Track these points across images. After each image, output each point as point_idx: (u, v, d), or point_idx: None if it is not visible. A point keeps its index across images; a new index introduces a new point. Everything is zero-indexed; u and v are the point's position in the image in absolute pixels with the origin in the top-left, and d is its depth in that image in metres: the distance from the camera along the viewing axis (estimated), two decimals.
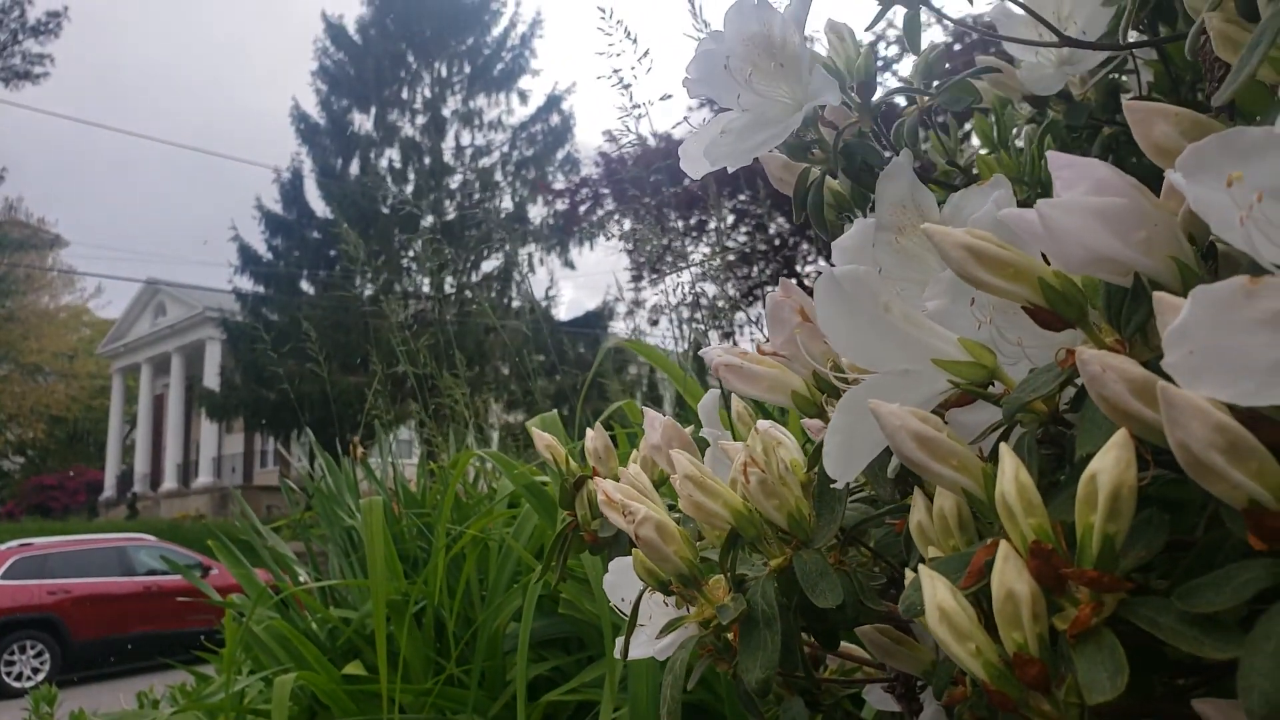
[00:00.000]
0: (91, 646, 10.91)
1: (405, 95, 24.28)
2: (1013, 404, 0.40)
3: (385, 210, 22.79)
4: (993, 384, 0.43)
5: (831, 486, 0.47)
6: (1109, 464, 0.33)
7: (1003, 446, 0.37)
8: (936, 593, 0.36)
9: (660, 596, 0.67)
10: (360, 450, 2.27)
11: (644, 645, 0.64)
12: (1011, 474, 0.36)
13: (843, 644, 0.87)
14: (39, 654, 10.86)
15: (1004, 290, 0.39)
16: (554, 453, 0.81)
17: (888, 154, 0.59)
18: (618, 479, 0.80)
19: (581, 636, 1.69)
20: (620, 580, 0.69)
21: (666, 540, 0.49)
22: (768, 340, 0.55)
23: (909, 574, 0.45)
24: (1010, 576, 0.34)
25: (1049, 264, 0.39)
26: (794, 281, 0.59)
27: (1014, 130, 0.86)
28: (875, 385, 0.42)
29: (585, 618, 1.65)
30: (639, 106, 2.48)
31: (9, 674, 10.68)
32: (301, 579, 2.24)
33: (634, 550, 0.57)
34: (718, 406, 0.76)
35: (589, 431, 0.80)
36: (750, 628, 0.44)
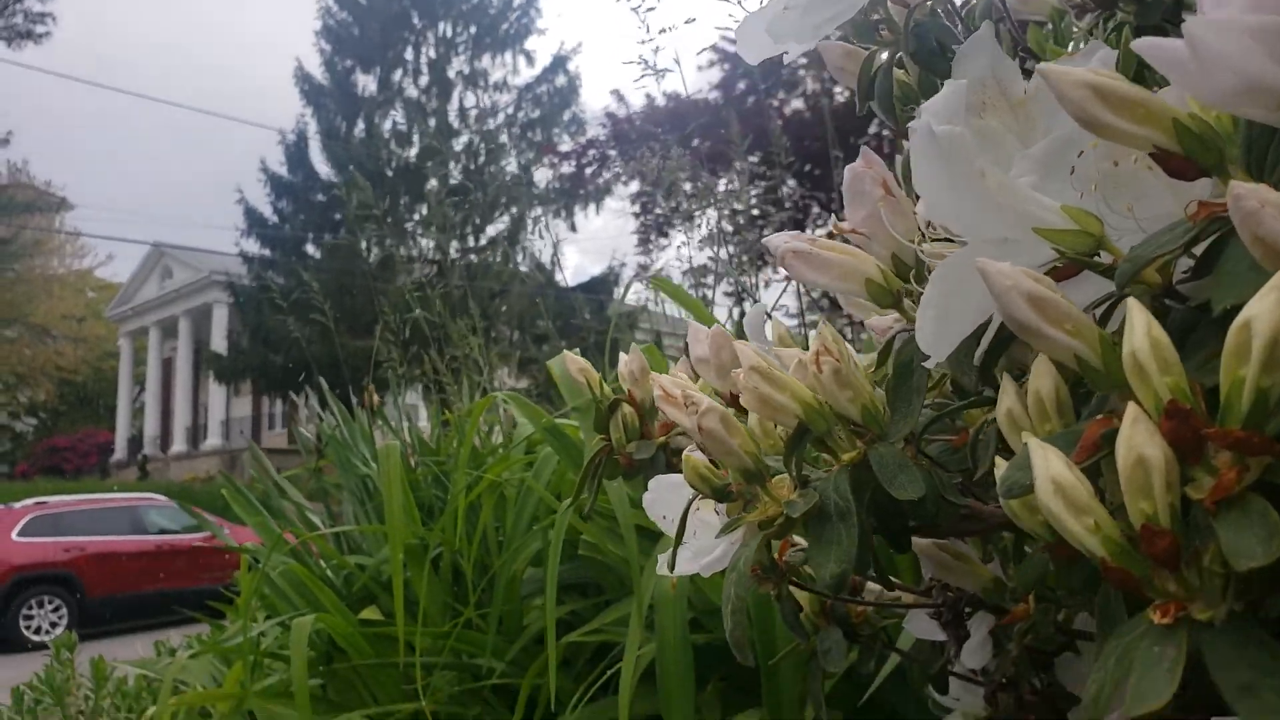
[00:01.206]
0: (106, 603, 11.03)
1: (409, 56, 24.04)
2: (1134, 263, 0.36)
3: (390, 173, 22.65)
4: (1098, 254, 0.39)
5: (908, 382, 0.43)
6: (1267, 308, 0.29)
7: (1131, 302, 0.33)
8: (1049, 464, 0.33)
9: (707, 512, 0.64)
10: (375, 398, 2.24)
11: (688, 562, 0.61)
12: (1143, 329, 0.32)
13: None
14: (56, 609, 10.99)
15: (1131, 135, 0.35)
16: (588, 376, 0.78)
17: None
18: (654, 404, 0.77)
19: (600, 581, 1.67)
20: (661, 496, 0.65)
21: (731, 432, 0.46)
22: (842, 220, 0.51)
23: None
24: (1140, 440, 0.31)
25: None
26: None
27: (1070, 45, 0.81)
28: (972, 253, 0.38)
29: (608, 560, 1.63)
30: (658, 35, 2.40)
31: (28, 628, 10.82)
32: (317, 528, 2.22)
33: (686, 456, 0.53)
34: (763, 321, 0.73)
35: (625, 355, 0.76)
36: (822, 523, 0.41)
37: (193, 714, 2.82)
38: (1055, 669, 0.78)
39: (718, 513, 0.56)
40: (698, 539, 0.62)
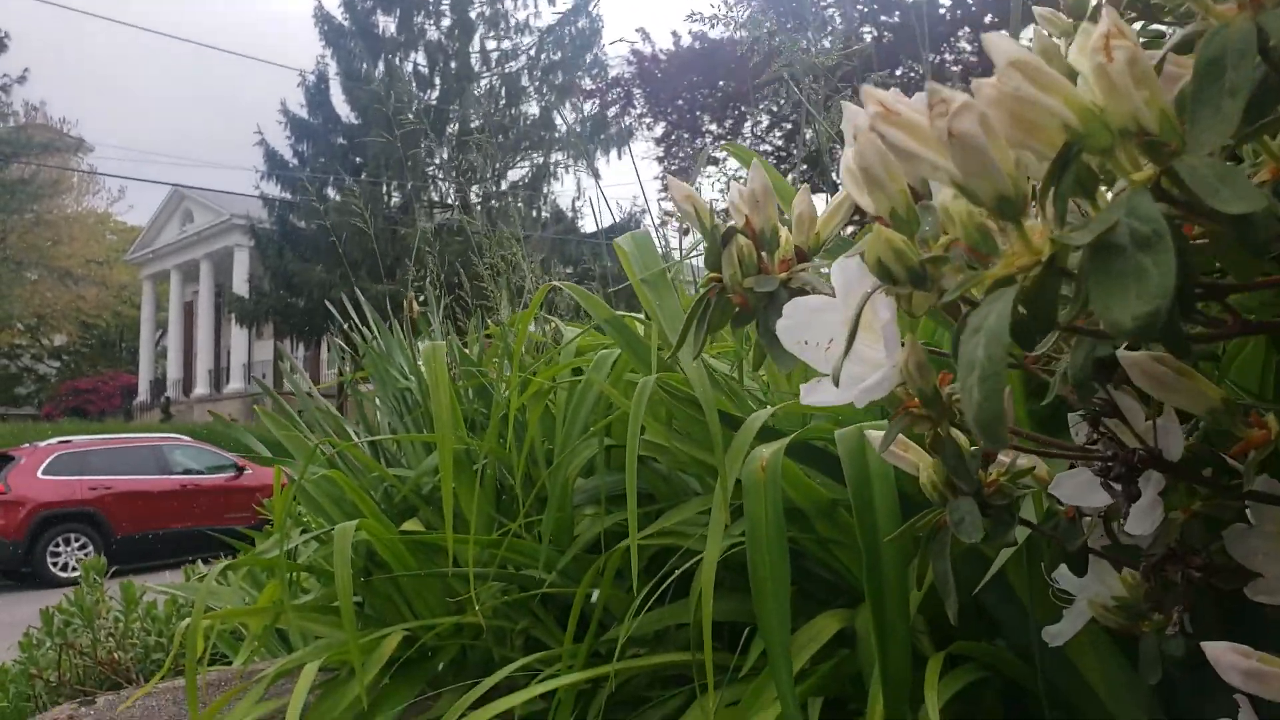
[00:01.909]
0: (132, 541, 11.16)
1: None
2: None
3: (411, 116, 22.41)
4: None
5: (1217, 82, 0.33)
6: None
7: None
8: None
9: (866, 339, 0.54)
10: (415, 308, 2.16)
11: (839, 391, 0.52)
12: None
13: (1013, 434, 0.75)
14: (83, 546, 11.12)
15: None
16: (695, 203, 0.68)
17: None
18: (777, 231, 0.67)
19: (652, 491, 1.59)
20: (802, 321, 0.56)
21: (992, 140, 0.36)
22: None
23: None
24: None
25: None
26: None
27: None
28: None
29: (660, 467, 1.55)
30: None
31: (55, 565, 10.98)
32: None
33: (875, 228, 0.44)
34: None
35: (747, 173, 0.66)
36: (1110, 255, 0.32)
37: (225, 638, 2.79)
38: (1225, 540, 0.69)
39: (891, 295, 0.47)
40: (845, 365, 0.52)
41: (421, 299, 2.18)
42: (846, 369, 0.53)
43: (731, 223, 0.65)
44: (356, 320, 2.15)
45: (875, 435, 0.73)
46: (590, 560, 1.47)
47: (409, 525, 1.80)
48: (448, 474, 1.43)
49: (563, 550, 1.57)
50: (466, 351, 2.06)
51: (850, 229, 0.90)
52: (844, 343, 0.48)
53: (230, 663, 2.49)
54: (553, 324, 1.97)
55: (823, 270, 0.68)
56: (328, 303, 2.44)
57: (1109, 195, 0.37)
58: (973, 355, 0.33)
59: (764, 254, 0.65)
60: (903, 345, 0.52)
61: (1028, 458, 0.75)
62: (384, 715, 1.61)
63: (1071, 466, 0.72)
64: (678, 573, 1.21)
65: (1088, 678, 0.97)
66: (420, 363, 1.92)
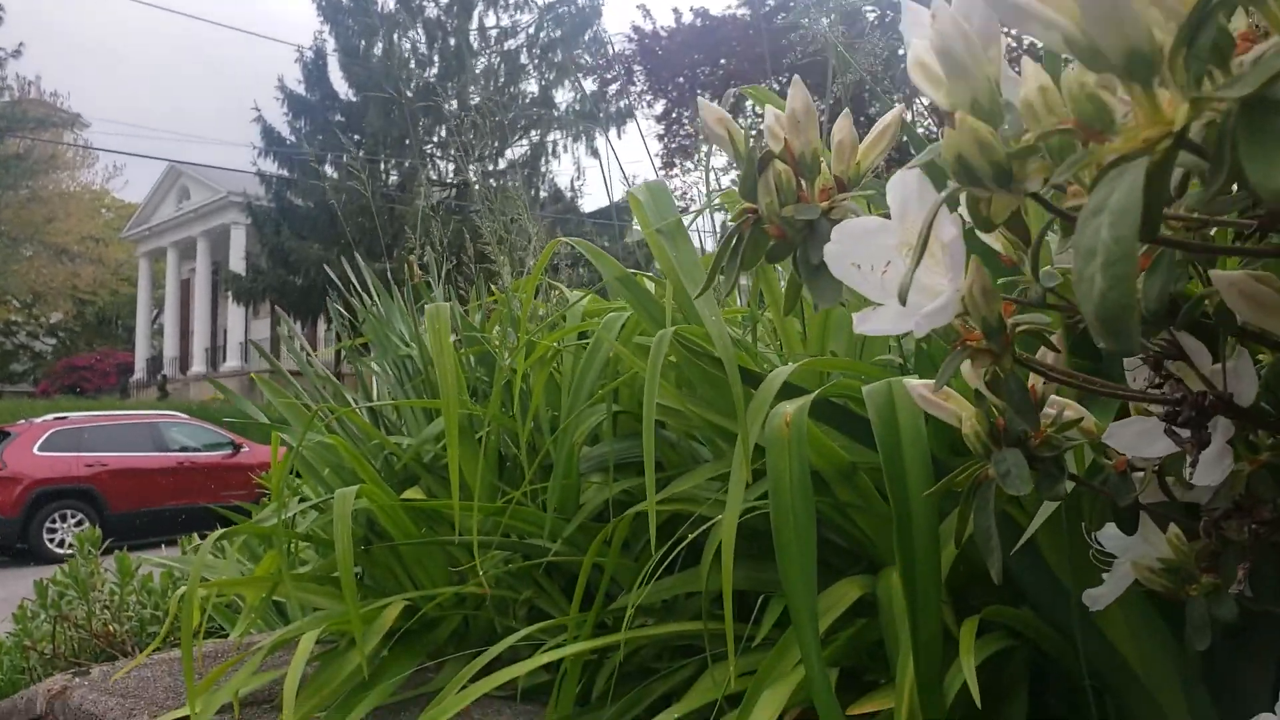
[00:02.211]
0: (128, 518, 11.12)
1: None
2: None
3: (410, 94, 22.24)
4: None
5: None
6: None
7: None
8: None
9: (929, 271, 0.49)
10: (418, 271, 2.10)
11: (894, 319, 0.48)
12: None
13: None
14: (79, 523, 11.07)
15: None
16: (728, 127, 0.63)
17: None
18: (819, 156, 0.63)
19: (661, 459, 1.55)
20: (852, 244, 0.51)
21: None
22: None
23: None
24: None
25: None
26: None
27: None
28: None
29: (670, 433, 1.51)
30: None
31: (51, 541, 10.95)
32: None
33: (961, 118, 0.39)
34: None
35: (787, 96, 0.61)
36: (1269, 112, 0.27)
37: (221, 611, 2.76)
38: None
39: (958, 218, 0.42)
40: (900, 286, 0.48)
41: (423, 263, 2.13)
42: (894, 303, 0.48)
43: (769, 147, 0.60)
44: (357, 286, 2.10)
45: (914, 383, 0.69)
46: (597, 529, 1.43)
47: (410, 493, 1.76)
48: (453, 437, 1.38)
49: (568, 519, 1.53)
50: (469, 319, 2.01)
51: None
52: (913, 256, 0.43)
53: (227, 636, 2.46)
54: (558, 290, 1.92)
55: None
56: (326, 267, 2.39)
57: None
58: (1094, 240, 0.29)
59: (803, 181, 0.61)
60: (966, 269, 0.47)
61: (1074, 409, 0.71)
62: (384, 686, 1.57)
63: (1124, 415, 0.67)
64: (691, 537, 1.17)
65: (1119, 646, 0.94)
66: (421, 330, 1.87)
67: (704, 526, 1.17)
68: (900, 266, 0.48)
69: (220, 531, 1.66)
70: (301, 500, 1.89)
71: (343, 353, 2.19)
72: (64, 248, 28.81)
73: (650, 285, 1.31)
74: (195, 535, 4.21)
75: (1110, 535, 0.75)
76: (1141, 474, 0.69)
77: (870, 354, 1.19)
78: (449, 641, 1.76)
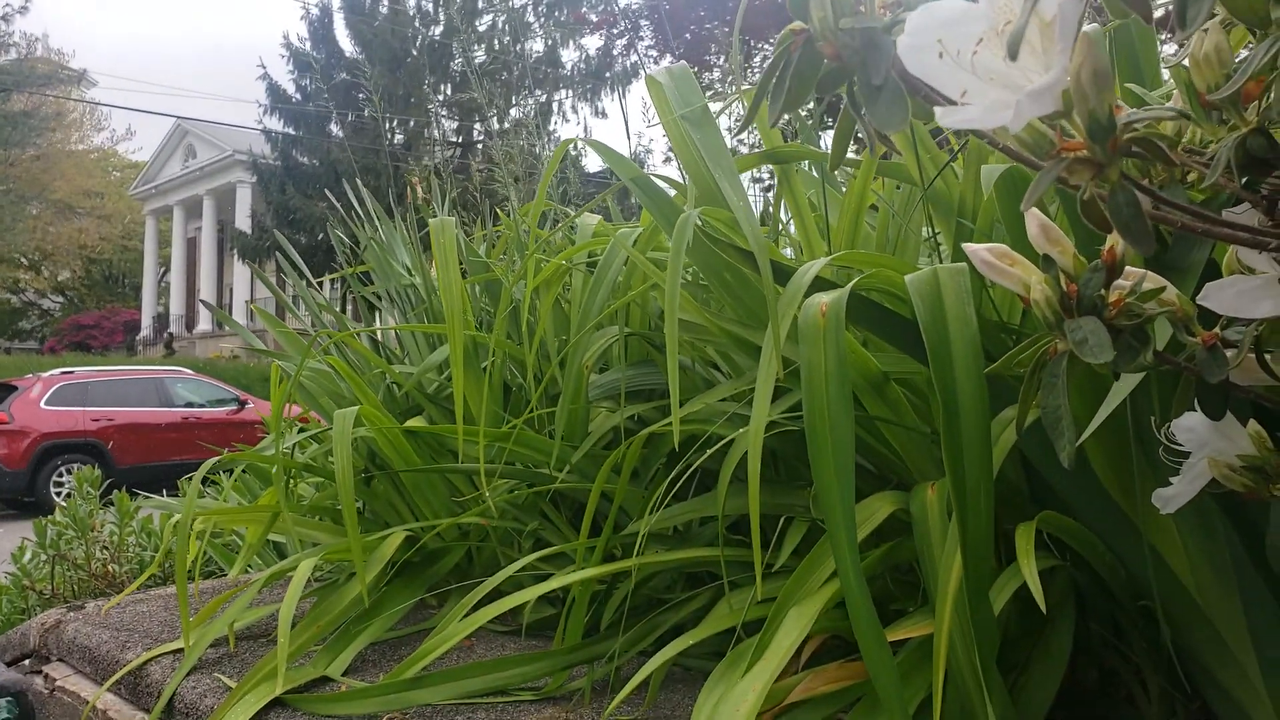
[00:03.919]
0: (134, 472, 11.12)
1: None
2: None
3: (415, 52, 21.96)
4: None
5: None
6: None
7: None
8: None
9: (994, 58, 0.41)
10: (421, 191, 2.01)
11: (982, 110, 0.39)
12: None
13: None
14: None
15: None
16: None
17: None
18: None
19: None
20: (931, 35, 0.43)
21: None
22: None
23: None
24: None
25: None
26: None
27: None
28: None
29: (685, 359, 1.43)
30: None
31: (58, 494, 10.98)
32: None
33: None
34: None
35: None
36: None
37: (220, 550, 2.71)
38: None
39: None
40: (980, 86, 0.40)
41: (425, 185, 2.04)
42: (985, 95, 0.40)
43: None
44: (359, 214, 2.02)
45: (974, 247, 0.61)
46: (605, 457, 1.36)
47: (413, 423, 1.69)
48: (457, 358, 1.31)
49: (576, 446, 1.46)
50: (473, 248, 1.92)
51: None
52: (1024, 12, 0.35)
53: (226, 575, 2.41)
54: (568, 222, 1.84)
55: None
56: (327, 192, 2.30)
57: None
58: None
59: None
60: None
61: (1154, 279, 0.62)
62: (383, 619, 1.51)
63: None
64: (705, 456, 1.09)
65: (1173, 565, 0.86)
66: (425, 259, 1.79)
67: (717, 445, 1.10)
68: (993, 48, 0.39)
69: (213, 459, 1.59)
70: (300, 430, 1.82)
71: (348, 295, 2.10)
72: (70, 206, 28.70)
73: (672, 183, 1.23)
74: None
75: (1187, 426, 0.67)
76: (1234, 352, 0.61)
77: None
78: (451, 575, 1.70)
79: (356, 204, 2.00)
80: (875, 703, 0.84)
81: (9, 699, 1.41)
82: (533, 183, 2.30)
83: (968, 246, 0.61)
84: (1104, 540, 0.91)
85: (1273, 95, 0.41)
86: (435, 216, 1.85)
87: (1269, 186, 0.51)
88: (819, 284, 0.89)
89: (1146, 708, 0.97)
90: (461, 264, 1.96)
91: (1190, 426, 0.67)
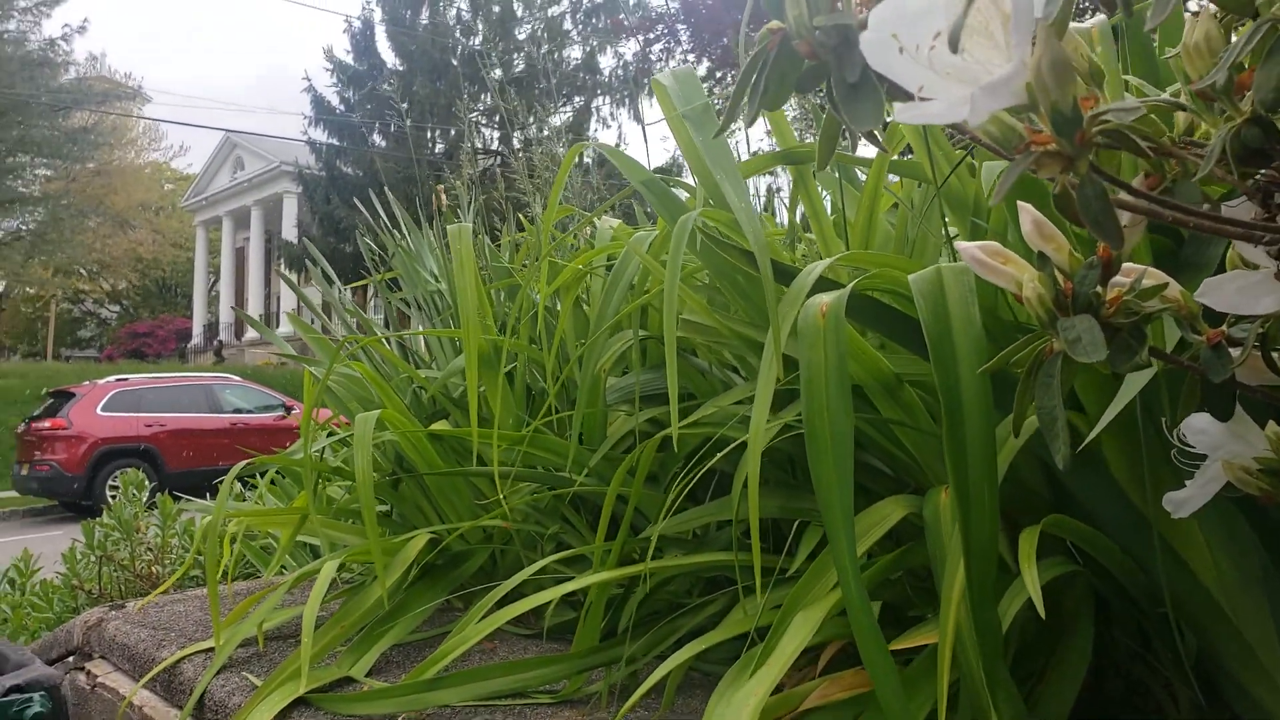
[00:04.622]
0: (184, 476, 11.36)
1: None
2: None
3: (455, 62, 22.18)
4: None
5: None
6: None
7: None
8: None
9: (974, 41, 0.41)
10: (444, 199, 2.03)
11: (942, 106, 0.39)
12: None
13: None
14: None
15: None
16: None
17: None
18: None
19: (692, 389, 1.47)
20: (892, 29, 0.42)
21: None
22: None
23: None
24: None
25: None
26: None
27: None
28: None
29: (702, 361, 1.43)
30: None
31: (113, 498, 11.22)
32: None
33: None
34: None
35: None
36: None
37: (256, 553, 2.75)
38: None
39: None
40: (945, 76, 0.39)
41: (452, 193, 2.06)
42: (948, 91, 0.39)
43: None
44: (387, 223, 2.04)
45: (967, 245, 0.60)
46: (624, 460, 1.36)
47: (437, 426, 1.70)
48: (472, 360, 1.31)
49: (596, 449, 1.46)
50: (498, 254, 1.94)
51: None
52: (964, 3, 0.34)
53: (261, 576, 2.45)
54: (588, 224, 1.84)
55: None
56: (356, 201, 2.33)
57: None
58: None
59: None
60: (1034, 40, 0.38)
61: (1156, 275, 0.61)
62: (406, 620, 1.52)
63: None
64: (716, 459, 1.08)
65: (1197, 570, 0.84)
66: (450, 264, 1.81)
67: (729, 448, 1.09)
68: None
69: (243, 463, 1.61)
70: (329, 435, 1.84)
71: (390, 302, 2.13)
72: (126, 219, 29.45)
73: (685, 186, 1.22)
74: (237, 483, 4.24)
75: (1198, 428, 0.65)
76: (1239, 351, 0.59)
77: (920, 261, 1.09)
78: (476, 578, 1.71)
79: (383, 212, 2.02)
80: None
81: (42, 693, 1.44)
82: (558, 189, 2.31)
83: (960, 245, 0.60)
84: (1125, 545, 0.89)
85: (1257, 82, 0.40)
86: (460, 223, 1.87)
87: (1265, 177, 0.49)
88: (826, 286, 0.88)
89: None
90: (485, 269, 1.98)
91: (1201, 428, 0.65)
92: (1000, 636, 0.74)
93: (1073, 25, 0.75)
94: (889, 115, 0.44)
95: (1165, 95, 0.54)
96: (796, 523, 1.15)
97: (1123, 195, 0.52)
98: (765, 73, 0.54)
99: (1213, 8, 0.49)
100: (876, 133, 0.61)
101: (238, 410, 12.39)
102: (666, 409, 1.48)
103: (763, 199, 1.65)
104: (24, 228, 25.81)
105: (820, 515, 1.14)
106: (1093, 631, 0.91)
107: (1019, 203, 0.59)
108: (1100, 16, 0.76)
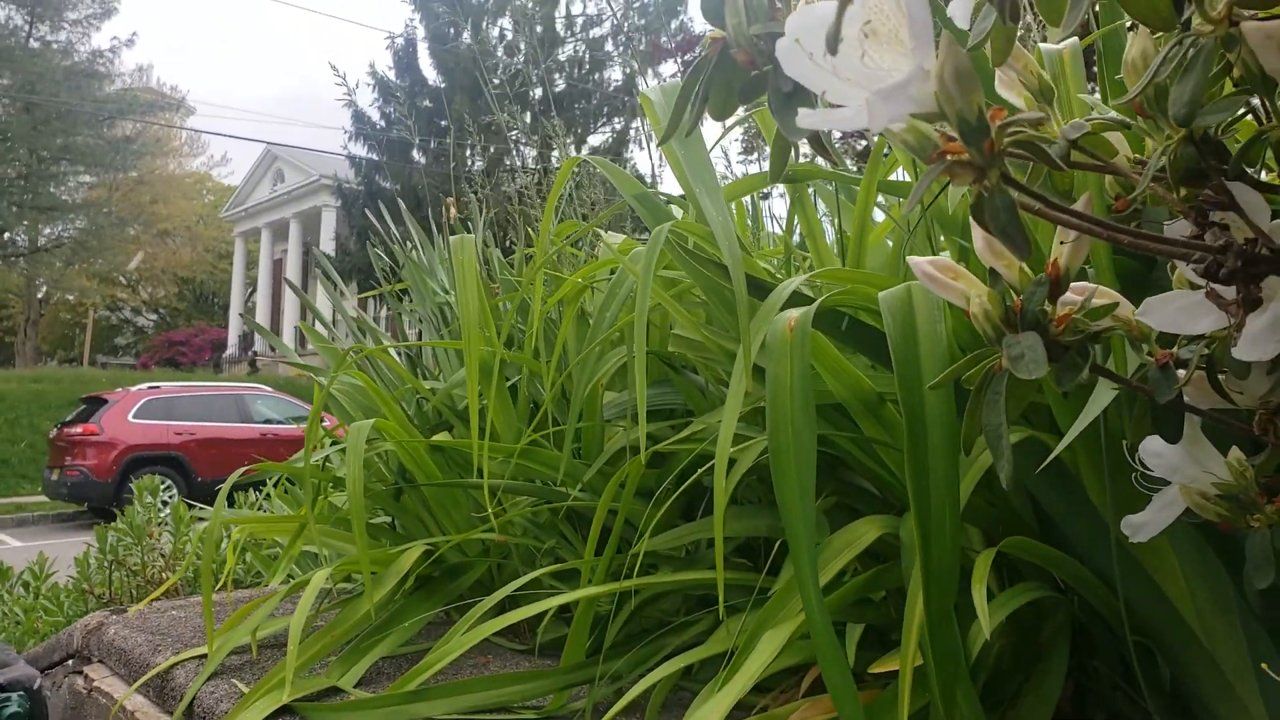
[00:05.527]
0: (213, 485, 11.45)
1: None
2: None
3: (496, 80, 22.45)
4: None
5: None
6: None
7: None
8: None
9: (881, 48, 0.40)
10: (454, 211, 2.05)
11: (846, 112, 0.38)
12: None
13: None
14: (167, 488, 11.45)
15: None
16: None
17: None
18: None
19: (690, 406, 1.46)
20: (806, 38, 0.42)
21: None
22: None
23: None
24: None
25: None
26: None
27: None
28: None
29: (700, 379, 1.42)
30: None
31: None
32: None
33: None
34: None
35: None
36: None
37: (265, 561, 2.77)
38: None
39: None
40: (854, 76, 0.39)
41: (464, 203, 2.08)
42: (853, 97, 0.39)
43: None
44: (397, 235, 2.06)
45: (918, 260, 0.59)
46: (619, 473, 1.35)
47: (438, 438, 1.71)
48: (472, 370, 1.32)
49: (592, 464, 1.46)
50: (508, 268, 1.95)
51: None
52: (839, 9, 0.34)
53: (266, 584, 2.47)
54: (584, 236, 1.85)
55: None
56: (367, 212, 2.36)
57: None
58: None
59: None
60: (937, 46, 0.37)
61: (1107, 294, 0.60)
62: (397, 632, 1.52)
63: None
64: (698, 473, 1.08)
65: (1171, 596, 0.82)
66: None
67: (706, 465, 1.08)
68: (856, 47, 0.38)
69: (242, 469, 1.63)
70: (333, 444, 1.86)
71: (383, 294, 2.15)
72: (167, 230, 30.03)
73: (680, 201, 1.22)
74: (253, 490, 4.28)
75: (1154, 451, 0.64)
76: (1187, 372, 0.58)
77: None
78: (474, 591, 1.71)
79: (394, 225, 2.05)
80: None
81: (20, 693, 1.46)
82: (575, 204, 2.32)
83: (912, 260, 0.59)
84: (1102, 571, 0.87)
85: (1172, 98, 0.39)
86: (463, 234, 1.88)
87: (1204, 198, 0.48)
88: (803, 302, 0.88)
89: None
90: (495, 283, 1.99)
91: (1158, 451, 0.63)
92: (961, 661, 0.73)
93: (1044, 46, 0.75)
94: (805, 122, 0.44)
95: (1111, 114, 0.54)
96: (779, 542, 1.14)
97: (1075, 214, 0.51)
98: (700, 77, 0.54)
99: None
100: (828, 145, 0.61)
101: (268, 421, 12.52)
102: (662, 424, 1.48)
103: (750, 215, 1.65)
104: (65, 234, 26.39)
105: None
106: (1068, 658, 0.89)
107: (972, 220, 0.58)
108: (1073, 39, 0.76)
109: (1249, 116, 0.53)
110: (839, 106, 0.39)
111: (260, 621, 1.58)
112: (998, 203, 0.41)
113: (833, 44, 0.35)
